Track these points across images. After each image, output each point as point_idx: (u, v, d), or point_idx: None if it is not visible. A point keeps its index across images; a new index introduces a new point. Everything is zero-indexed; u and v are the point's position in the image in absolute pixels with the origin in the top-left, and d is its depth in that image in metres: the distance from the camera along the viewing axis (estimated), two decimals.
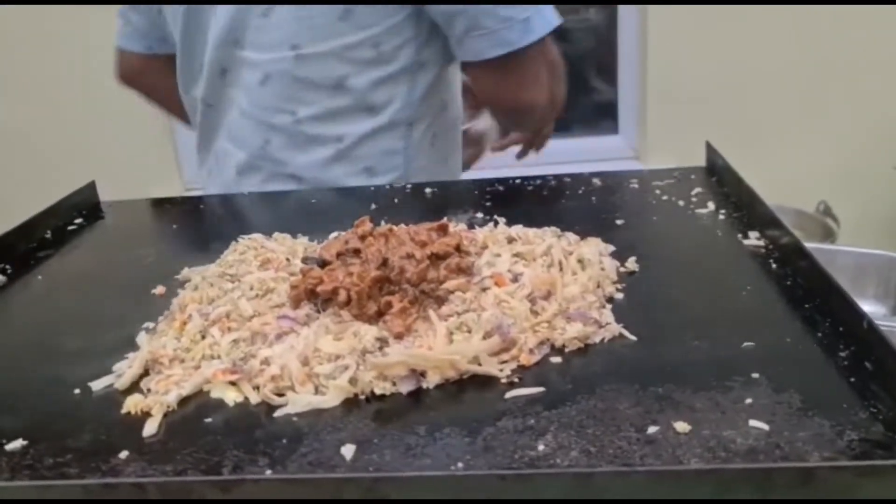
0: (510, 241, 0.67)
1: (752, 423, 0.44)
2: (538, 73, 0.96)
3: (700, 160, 0.91)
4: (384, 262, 0.58)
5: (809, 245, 0.62)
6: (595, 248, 0.66)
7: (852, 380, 0.48)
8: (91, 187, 0.95)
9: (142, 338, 0.60)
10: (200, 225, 0.92)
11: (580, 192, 0.87)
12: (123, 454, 0.46)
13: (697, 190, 0.83)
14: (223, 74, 0.99)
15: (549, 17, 0.92)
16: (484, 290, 0.58)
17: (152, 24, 1.07)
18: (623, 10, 2.12)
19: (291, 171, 0.97)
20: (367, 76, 0.93)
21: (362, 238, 0.62)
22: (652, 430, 0.44)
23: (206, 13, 0.98)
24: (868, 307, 0.99)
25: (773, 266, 0.65)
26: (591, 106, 2.52)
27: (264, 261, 0.68)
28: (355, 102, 0.94)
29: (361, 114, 0.94)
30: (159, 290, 0.69)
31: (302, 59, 0.92)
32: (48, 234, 0.85)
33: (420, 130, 0.99)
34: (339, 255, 0.61)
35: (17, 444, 0.48)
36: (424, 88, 0.98)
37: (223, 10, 0.95)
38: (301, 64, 0.92)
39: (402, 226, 0.66)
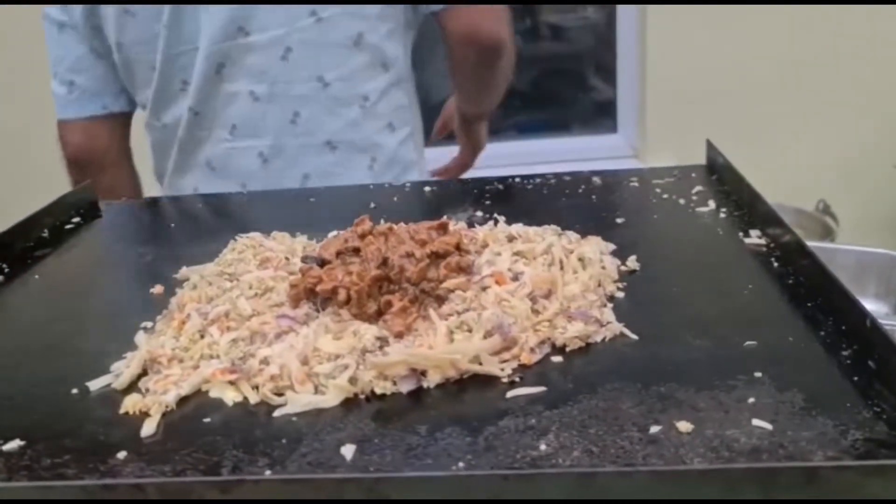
0: (510, 239, 0.67)
1: (755, 422, 0.44)
2: (506, 13, 1.02)
3: (699, 158, 0.91)
4: (384, 262, 0.58)
5: (810, 244, 0.62)
6: (596, 247, 0.65)
7: (855, 379, 0.48)
8: (89, 186, 0.95)
9: (140, 337, 0.59)
10: (198, 224, 0.91)
11: (580, 190, 0.87)
12: (122, 454, 0.46)
13: (698, 188, 0.83)
14: (220, 71, 0.99)
15: None
16: (484, 288, 0.58)
17: (105, 79, 1.05)
18: (622, 8, 2.12)
19: (325, 138, 0.99)
20: (378, 31, 0.98)
21: (362, 237, 0.62)
22: (654, 429, 0.44)
23: (195, 20, 0.98)
24: (869, 306, 0.98)
25: (775, 265, 0.64)
26: (589, 105, 2.53)
27: (263, 260, 0.68)
28: (372, 58, 0.98)
29: (378, 69, 1.00)
30: (157, 289, 0.69)
31: (322, 23, 0.96)
32: (45, 233, 0.85)
33: (413, 86, 1.06)
34: (338, 253, 0.61)
35: (15, 444, 0.47)
36: (412, 45, 1.05)
37: (218, 7, 0.96)
38: (322, 28, 0.96)
39: (402, 224, 0.66)
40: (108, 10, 0.99)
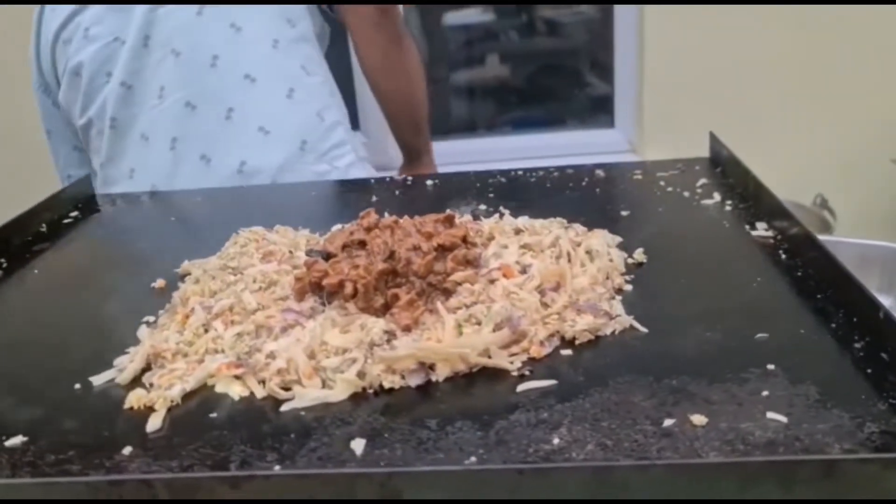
0: (517, 232, 0.66)
1: (770, 415, 0.43)
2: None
3: (697, 153, 0.90)
4: (391, 255, 0.57)
5: None
6: (603, 240, 0.65)
7: (869, 371, 0.47)
8: (86, 180, 0.94)
9: (143, 332, 0.59)
10: (198, 218, 0.90)
11: (584, 183, 0.86)
12: (127, 450, 0.45)
13: (702, 181, 0.82)
14: (147, 44, 1.07)
15: None
16: (492, 281, 0.57)
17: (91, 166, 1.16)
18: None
19: (244, 73, 1.06)
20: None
21: (368, 230, 0.61)
22: (668, 422, 0.44)
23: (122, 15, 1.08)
24: None
25: (783, 257, 0.64)
26: (585, 100, 2.52)
27: (266, 253, 0.67)
28: (277, 13, 1.09)
29: (283, 22, 1.09)
30: (159, 283, 0.68)
31: None
32: (43, 228, 0.84)
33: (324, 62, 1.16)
34: (344, 247, 0.60)
35: (17, 440, 0.46)
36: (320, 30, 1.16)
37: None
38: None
39: (407, 217, 0.65)
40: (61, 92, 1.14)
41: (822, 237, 1.17)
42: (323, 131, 1.08)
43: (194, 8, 1.07)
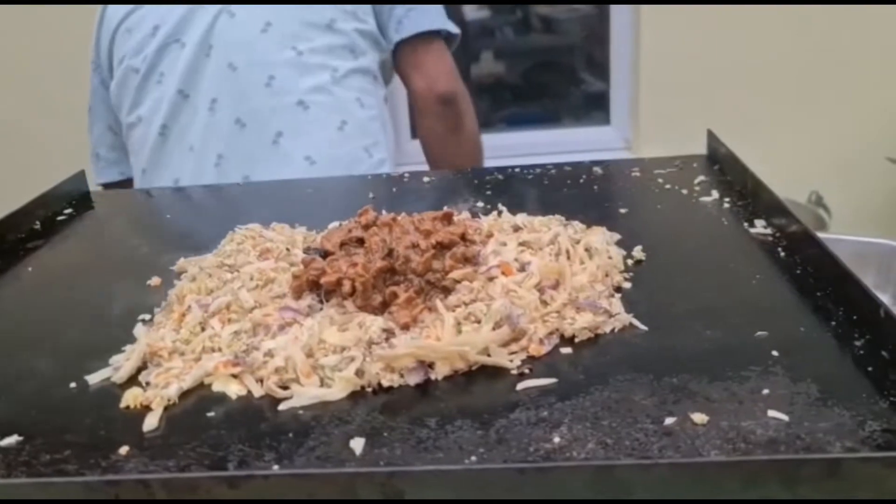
0: (516, 229, 0.66)
1: (771, 413, 0.43)
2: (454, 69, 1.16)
3: (691, 150, 0.90)
4: (389, 253, 0.57)
5: None
6: (602, 237, 0.64)
7: (869, 369, 0.47)
8: (80, 177, 0.93)
9: (139, 330, 0.58)
10: (194, 215, 0.90)
11: (581, 180, 0.86)
12: (124, 449, 0.44)
13: (700, 178, 0.82)
14: (209, 53, 1.06)
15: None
16: (491, 279, 0.57)
17: (122, 150, 1.20)
18: None
19: (298, 98, 1.05)
20: (350, 24, 1.09)
21: (366, 227, 0.61)
22: (669, 421, 0.43)
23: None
24: None
25: (782, 254, 0.64)
26: (580, 97, 2.52)
27: (263, 251, 0.67)
28: (341, 42, 1.08)
29: (346, 52, 1.09)
30: (154, 281, 0.67)
31: (297, 9, 1.08)
32: (37, 225, 0.83)
33: (382, 93, 1.16)
34: (341, 244, 0.60)
35: (12, 439, 0.46)
36: (382, 62, 1.15)
37: None
38: (304, 9, 1.08)
39: (405, 215, 0.64)
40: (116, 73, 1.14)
41: (820, 235, 1.17)
42: (368, 167, 1.07)
43: (260, 24, 1.06)
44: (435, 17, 1.13)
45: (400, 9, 1.11)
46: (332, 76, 1.06)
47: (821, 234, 1.20)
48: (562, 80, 2.56)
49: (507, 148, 2.14)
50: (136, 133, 1.12)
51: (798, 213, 1.71)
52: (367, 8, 1.11)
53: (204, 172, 1.06)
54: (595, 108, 2.35)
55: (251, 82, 1.06)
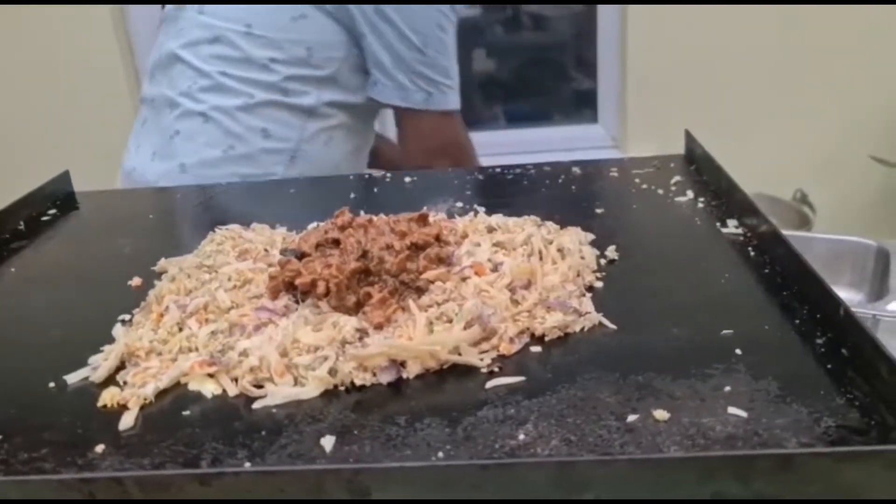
0: (490, 230, 0.67)
1: (731, 410, 0.45)
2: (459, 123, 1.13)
3: (679, 148, 0.91)
4: (364, 254, 0.58)
5: (786, 233, 0.62)
6: (575, 237, 0.65)
7: (829, 366, 0.48)
8: (65, 177, 0.94)
9: (118, 330, 0.59)
10: (177, 215, 0.91)
11: (560, 180, 0.87)
12: (100, 448, 0.45)
13: (676, 178, 0.83)
14: (175, 37, 1.09)
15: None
16: (464, 279, 0.58)
17: None
18: None
19: (203, 110, 1.06)
20: (290, 69, 1.04)
21: (342, 228, 0.62)
22: (632, 418, 0.45)
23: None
24: (844, 294, 0.99)
25: (752, 254, 0.65)
26: (569, 95, 2.53)
27: (242, 252, 0.68)
28: (271, 80, 1.05)
29: (273, 88, 1.06)
30: (136, 281, 0.68)
31: (249, 35, 1.04)
32: (21, 225, 0.84)
33: (316, 127, 1.08)
34: (317, 245, 0.60)
35: None
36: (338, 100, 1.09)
37: None
38: (247, 38, 1.05)
39: (382, 216, 0.65)
40: None
41: (796, 233, 1.19)
42: None
43: (209, 35, 1.06)
44: (410, 94, 1.06)
45: (376, 73, 1.06)
46: (245, 102, 1.05)
47: (800, 233, 1.22)
48: (552, 77, 2.57)
49: (496, 145, 2.15)
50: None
51: (783, 210, 1.72)
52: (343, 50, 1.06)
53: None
54: (584, 105, 2.36)
55: (182, 78, 1.08)
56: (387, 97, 1.06)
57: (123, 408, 0.50)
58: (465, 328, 0.52)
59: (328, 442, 0.44)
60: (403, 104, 1.07)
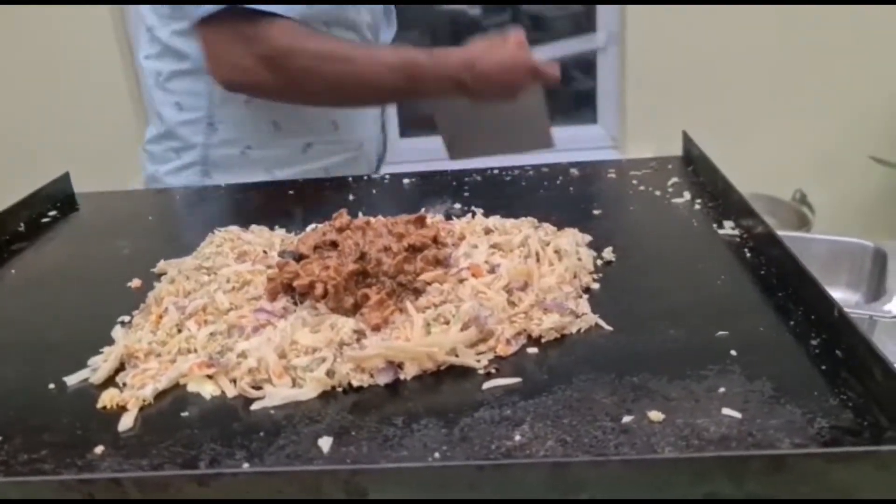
0: (487, 232, 0.67)
1: (725, 411, 0.45)
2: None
3: (678, 149, 0.92)
4: (361, 256, 0.58)
5: (784, 233, 0.63)
6: (572, 239, 0.66)
7: (823, 367, 0.49)
8: (65, 179, 0.94)
9: (117, 332, 0.59)
10: (177, 217, 0.91)
11: (558, 181, 0.88)
12: (99, 449, 0.46)
13: (674, 180, 0.84)
14: None
15: None
16: (461, 281, 0.58)
17: None
18: None
19: (149, 95, 1.09)
20: (167, 28, 1.02)
21: (340, 231, 0.62)
22: (627, 419, 0.45)
23: None
24: (841, 295, 1.00)
25: (748, 255, 0.65)
26: (569, 95, 2.53)
27: (241, 253, 0.68)
28: (159, 48, 1.05)
29: (170, 55, 1.04)
30: (135, 283, 0.69)
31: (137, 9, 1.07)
32: (21, 227, 0.84)
33: (221, 90, 0.99)
34: (316, 247, 0.61)
35: None
36: None
37: None
38: (148, 11, 1.05)
39: (380, 218, 0.66)
40: None
41: (795, 234, 1.19)
42: (173, 168, 1.06)
43: (143, 27, 1.08)
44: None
45: None
46: (155, 80, 1.06)
47: (798, 234, 1.22)
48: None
49: None
50: None
51: (782, 210, 1.71)
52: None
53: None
54: (583, 106, 2.36)
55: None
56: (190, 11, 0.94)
57: (123, 409, 0.50)
58: (462, 330, 0.53)
59: (326, 443, 0.45)
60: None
